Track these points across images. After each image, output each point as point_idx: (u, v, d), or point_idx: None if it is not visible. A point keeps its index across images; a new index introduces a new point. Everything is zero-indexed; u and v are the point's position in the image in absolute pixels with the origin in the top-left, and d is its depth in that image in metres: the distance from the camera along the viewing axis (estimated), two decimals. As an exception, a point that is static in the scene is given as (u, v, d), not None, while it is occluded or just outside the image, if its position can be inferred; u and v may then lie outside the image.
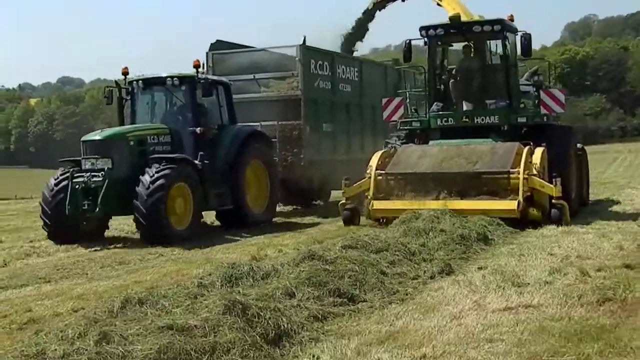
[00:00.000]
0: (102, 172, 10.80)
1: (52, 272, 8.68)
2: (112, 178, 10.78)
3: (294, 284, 6.35)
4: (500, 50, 12.94)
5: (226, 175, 12.38)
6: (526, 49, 12.46)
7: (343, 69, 16.84)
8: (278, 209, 15.96)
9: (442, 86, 13.51)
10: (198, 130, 12.04)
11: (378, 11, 20.46)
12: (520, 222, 10.96)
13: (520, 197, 10.90)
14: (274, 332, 5.23)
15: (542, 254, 8.24)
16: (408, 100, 13.98)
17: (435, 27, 12.81)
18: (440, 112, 13.25)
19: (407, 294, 6.68)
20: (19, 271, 8.96)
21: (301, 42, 15.08)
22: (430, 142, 13.17)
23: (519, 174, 11.08)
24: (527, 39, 12.42)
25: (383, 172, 12.25)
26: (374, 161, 12.42)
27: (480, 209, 10.99)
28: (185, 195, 11.22)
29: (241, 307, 5.32)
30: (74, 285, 7.79)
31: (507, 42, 12.73)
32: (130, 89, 12.56)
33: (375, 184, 12.14)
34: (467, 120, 12.97)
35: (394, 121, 13.95)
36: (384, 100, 13.95)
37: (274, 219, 13.75)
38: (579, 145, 14.75)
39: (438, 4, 17.27)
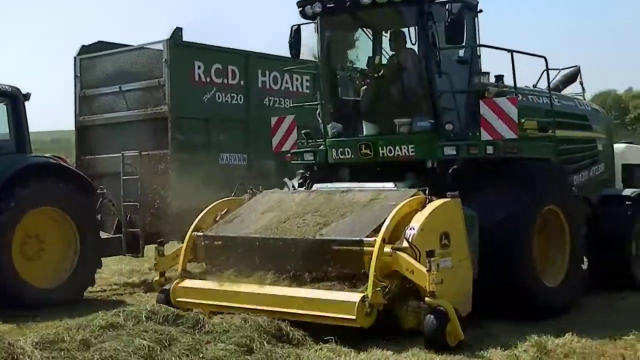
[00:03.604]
0: None
1: None
2: None
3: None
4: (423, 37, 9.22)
5: None
6: (451, 30, 8.69)
7: (275, 76, 13.66)
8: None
9: (359, 96, 9.99)
10: None
11: None
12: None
13: (370, 289, 7.18)
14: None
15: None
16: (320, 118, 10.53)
17: (311, 0, 9.37)
18: (338, 139, 9.74)
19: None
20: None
21: (169, 36, 12.17)
22: (314, 186, 9.71)
23: (373, 246, 7.38)
24: (453, 12, 8.66)
25: (201, 234, 8.94)
26: (201, 215, 9.19)
27: (302, 312, 7.69)
28: None
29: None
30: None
31: (429, 23, 9.01)
32: None
33: (187, 254, 8.88)
34: (367, 151, 9.35)
35: (286, 153, 10.58)
36: (273, 121, 10.62)
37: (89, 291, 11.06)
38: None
39: None
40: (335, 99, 10.03)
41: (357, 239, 7.72)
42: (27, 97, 10.83)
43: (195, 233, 9.00)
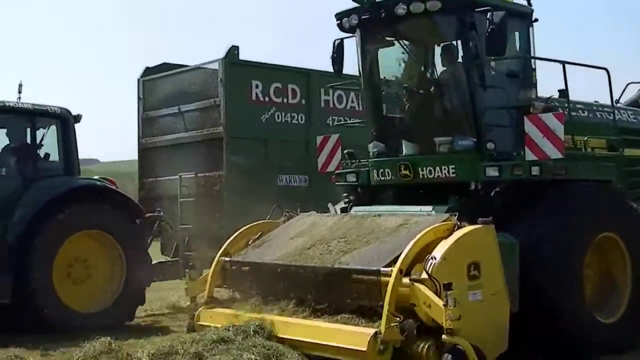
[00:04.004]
0: None
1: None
2: None
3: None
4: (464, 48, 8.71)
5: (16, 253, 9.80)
6: (492, 40, 8.13)
7: (339, 95, 13.37)
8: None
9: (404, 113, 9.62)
10: None
11: None
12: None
13: (383, 325, 6.69)
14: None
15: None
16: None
17: (348, 13, 9.05)
18: (379, 159, 9.35)
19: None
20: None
21: (224, 55, 12.09)
22: (352, 210, 9.35)
23: (390, 276, 6.91)
24: (494, 22, 8.10)
25: (229, 259, 8.73)
26: (231, 239, 9.02)
27: (315, 342, 7.29)
28: None
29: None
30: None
31: (471, 33, 8.49)
32: None
33: (214, 279, 8.68)
34: (407, 172, 8.89)
35: (332, 173, 10.27)
36: (319, 140, 10.31)
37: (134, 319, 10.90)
38: None
39: None
40: (379, 117, 9.60)
41: (375, 268, 7.23)
42: (77, 118, 10.95)
43: (223, 258, 8.80)
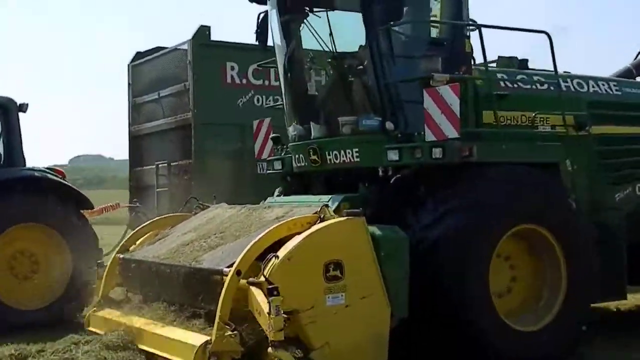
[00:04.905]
0: None
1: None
2: None
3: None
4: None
5: None
6: (385, 3, 7.24)
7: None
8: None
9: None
10: None
11: None
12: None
13: (214, 333, 6.01)
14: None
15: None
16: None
17: None
18: (295, 144, 8.64)
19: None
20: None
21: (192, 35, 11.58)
22: (267, 200, 8.66)
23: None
24: None
25: (122, 256, 8.28)
26: (130, 235, 8.68)
27: (157, 354, 6.72)
28: None
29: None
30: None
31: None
32: None
33: (109, 278, 8.26)
34: (315, 157, 8.12)
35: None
36: (255, 124, 9.65)
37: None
38: None
39: None
40: (298, 96, 8.80)
41: (219, 268, 6.54)
42: (22, 108, 10.75)
43: (119, 255, 8.32)
